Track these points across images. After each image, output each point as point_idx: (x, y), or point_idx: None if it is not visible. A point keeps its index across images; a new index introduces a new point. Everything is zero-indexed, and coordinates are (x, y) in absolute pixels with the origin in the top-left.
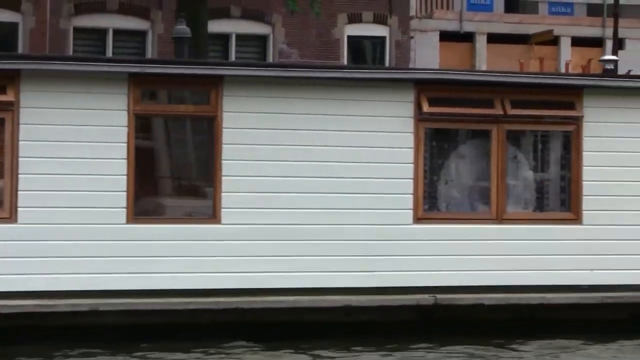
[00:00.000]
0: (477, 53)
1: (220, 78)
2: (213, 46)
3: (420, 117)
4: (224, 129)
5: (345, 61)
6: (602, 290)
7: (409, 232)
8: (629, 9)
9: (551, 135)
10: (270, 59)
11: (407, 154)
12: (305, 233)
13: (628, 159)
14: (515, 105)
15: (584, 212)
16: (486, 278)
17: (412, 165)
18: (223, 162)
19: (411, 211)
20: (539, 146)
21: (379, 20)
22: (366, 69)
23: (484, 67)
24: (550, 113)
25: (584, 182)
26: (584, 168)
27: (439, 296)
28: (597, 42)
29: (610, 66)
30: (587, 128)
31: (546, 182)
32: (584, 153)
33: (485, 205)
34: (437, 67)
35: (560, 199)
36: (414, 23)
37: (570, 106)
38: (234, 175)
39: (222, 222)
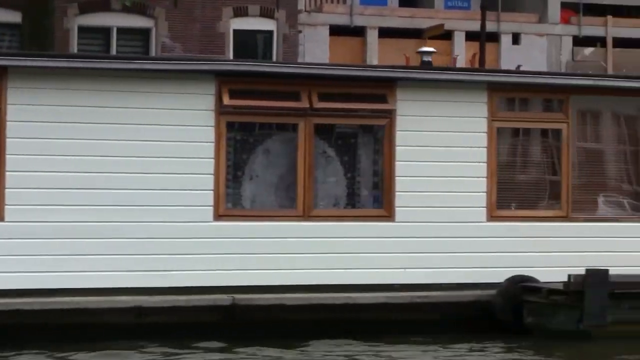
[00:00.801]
0: (368, 48)
1: (4, 69)
2: (94, 40)
3: (221, 110)
4: (8, 123)
5: (230, 55)
6: (415, 290)
7: (208, 229)
8: (525, 3)
9: (363, 129)
10: (153, 54)
11: (208, 149)
12: (96, 231)
13: (441, 153)
14: (323, 98)
15: (396, 208)
16: (290, 277)
17: (212, 160)
18: (7, 156)
19: (211, 208)
20: (351, 140)
21: (266, 13)
22: (164, 59)
23: (375, 62)
24: (361, 106)
25: (396, 178)
26: (397, 163)
27: (237, 296)
28: (492, 37)
29: (428, 58)
30: (400, 122)
31: (358, 178)
32: (396, 148)
33: (292, 202)
34: (327, 61)
35: (372, 196)
36: (303, 17)
37: (383, 99)
38: (19, 170)
39: (6, 219)
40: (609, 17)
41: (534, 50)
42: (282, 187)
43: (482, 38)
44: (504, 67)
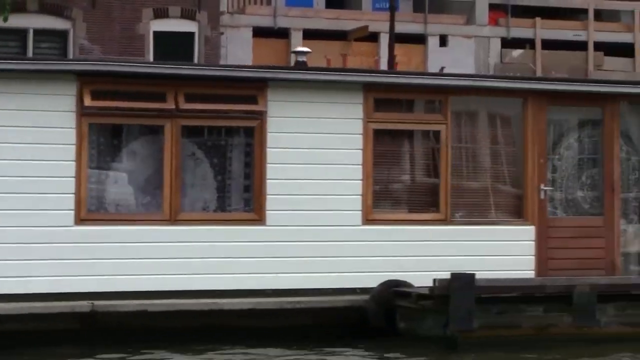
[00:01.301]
0: (292, 49)
1: None
2: (10, 42)
3: (82, 111)
4: None
5: (151, 58)
6: (288, 295)
7: (69, 234)
8: (452, 4)
9: (234, 131)
10: (70, 55)
11: (69, 151)
12: None
13: (314, 156)
14: (190, 99)
15: (267, 212)
16: (156, 283)
17: (73, 162)
18: None
19: (73, 212)
20: (221, 143)
21: (187, 15)
22: (25, 59)
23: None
24: (231, 108)
25: (267, 181)
26: (268, 166)
27: (97, 303)
28: (418, 39)
29: (302, 58)
30: (271, 123)
31: (228, 181)
32: (267, 150)
33: (158, 205)
34: (250, 63)
35: (243, 199)
36: (225, 18)
37: (253, 100)
38: None
39: None
40: (538, 19)
41: (462, 52)
42: (148, 191)
43: (391, 40)
44: (431, 69)
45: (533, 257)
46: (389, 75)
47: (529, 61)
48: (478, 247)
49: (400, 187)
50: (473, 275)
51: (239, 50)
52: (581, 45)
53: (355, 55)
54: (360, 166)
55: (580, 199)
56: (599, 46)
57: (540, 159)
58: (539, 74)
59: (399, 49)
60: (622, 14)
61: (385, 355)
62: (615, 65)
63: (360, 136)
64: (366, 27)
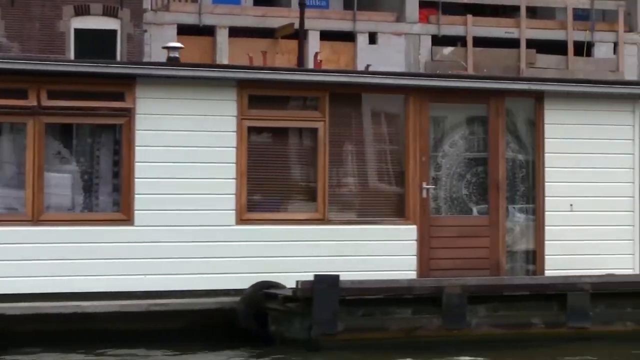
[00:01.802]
0: (218, 47)
1: None
2: None
3: None
4: None
5: (72, 56)
6: (157, 297)
7: None
8: (382, 2)
9: (101, 129)
10: None
11: None
12: None
13: (185, 154)
14: (54, 95)
15: (135, 212)
16: (17, 286)
17: None
18: None
19: None
20: (89, 141)
21: (109, 12)
22: None
23: (225, 61)
24: (97, 105)
25: (136, 180)
26: (136, 164)
27: None
28: (348, 36)
29: (175, 54)
30: (140, 121)
31: (96, 180)
32: (136, 148)
33: (21, 205)
34: None
35: (112, 198)
36: (149, 16)
37: (121, 97)
38: None
39: None
40: (469, 16)
41: (392, 50)
42: (10, 190)
43: (301, 36)
44: (359, 67)
45: (415, 257)
46: (263, 71)
47: (461, 59)
48: (358, 248)
49: (276, 186)
50: (337, 276)
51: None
52: (514, 43)
53: (283, 53)
54: (234, 164)
55: (465, 198)
56: (531, 44)
57: (422, 156)
58: (470, 71)
59: (327, 46)
60: (558, 11)
61: (249, 359)
62: (548, 63)
63: (234, 134)
64: (292, 24)
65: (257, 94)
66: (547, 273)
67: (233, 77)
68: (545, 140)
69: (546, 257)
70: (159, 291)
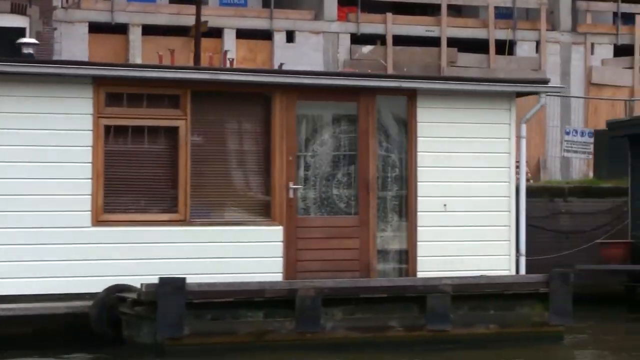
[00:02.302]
0: (131, 45)
1: None
2: None
3: None
4: None
5: None
6: (9, 302)
7: None
8: (300, 0)
9: None
10: None
11: None
12: None
13: (39, 153)
14: None
15: None
16: None
17: None
18: None
19: None
20: None
21: (17, 10)
22: None
23: (138, 61)
24: None
25: None
26: None
27: None
28: (265, 35)
29: (29, 50)
30: None
31: None
32: None
33: None
34: (87, 59)
35: None
36: (59, 13)
37: None
38: None
39: None
40: (389, 14)
41: (310, 48)
42: None
43: (198, 32)
44: (276, 66)
45: (281, 259)
46: (119, 68)
47: (380, 57)
48: (221, 249)
49: (135, 186)
50: (183, 279)
51: (74, 47)
52: (435, 42)
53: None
54: (90, 164)
55: (336, 198)
56: (453, 42)
57: (289, 156)
58: (390, 70)
59: (243, 45)
60: (482, 9)
61: None
62: (470, 61)
63: (90, 132)
64: (206, 22)
65: (114, 92)
66: (420, 274)
67: (88, 74)
68: (418, 139)
69: (419, 258)
70: (11, 295)
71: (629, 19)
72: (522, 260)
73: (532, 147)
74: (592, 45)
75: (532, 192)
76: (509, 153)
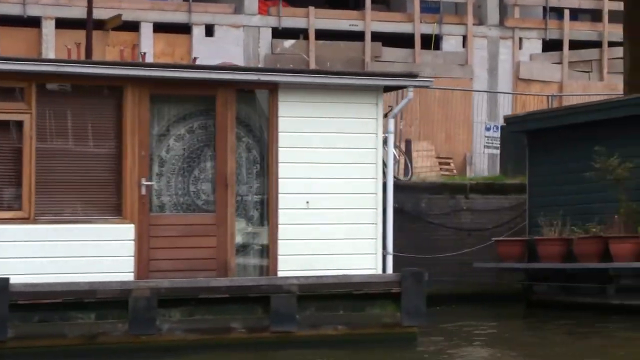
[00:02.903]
0: (44, 39)
1: None
2: None
3: None
4: None
5: None
6: None
7: None
8: None
9: None
10: None
11: None
12: None
13: None
14: None
15: None
16: None
17: None
18: None
19: None
20: None
21: None
22: None
23: (51, 55)
24: None
25: None
26: None
27: None
28: (184, 29)
29: None
30: None
31: None
32: None
33: None
34: None
35: None
36: None
37: None
38: None
39: None
40: (312, 8)
41: (230, 42)
42: None
43: (89, 25)
44: (197, 60)
45: (132, 258)
46: None
47: (302, 52)
48: (70, 248)
49: None
50: (7, 279)
51: None
52: (360, 36)
53: (114, 45)
54: None
55: (193, 195)
56: (378, 36)
57: (142, 151)
58: (312, 65)
59: (162, 39)
60: (409, 3)
61: None
62: (395, 56)
63: None
64: (119, 15)
65: None
66: (281, 274)
67: None
68: (280, 134)
69: (280, 257)
70: None
71: (558, 13)
72: (389, 258)
73: (459, 143)
74: (520, 40)
75: (433, 189)
76: (376, 149)
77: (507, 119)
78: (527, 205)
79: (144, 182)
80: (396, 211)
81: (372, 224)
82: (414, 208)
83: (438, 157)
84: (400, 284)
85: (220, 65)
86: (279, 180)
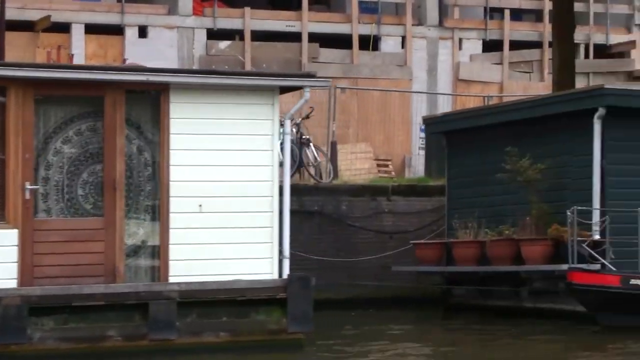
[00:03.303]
0: None
1: None
2: None
3: None
4: None
5: None
6: None
7: None
8: None
9: None
10: None
11: None
12: None
13: None
14: None
15: None
16: None
17: None
18: None
19: None
20: None
21: None
22: None
23: None
24: None
25: None
26: None
27: None
28: (116, 30)
29: None
30: None
31: None
32: None
33: None
34: None
35: None
36: None
37: None
38: None
39: None
40: (247, 9)
41: (164, 44)
42: None
43: (1, 26)
44: (129, 62)
45: (15, 264)
46: None
47: (238, 53)
48: None
49: None
50: None
51: None
52: (297, 37)
53: (44, 47)
54: None
55: (81, 199)
56: (316, 37)
57: (26, 153)
58: (248, 67)
59: (94, 40)
60: (349, 4)
61: None
62: (332, 57)
63: None
64: (49, 17)
65: None
66: (173, 279)
67: None
68: (171, 136)
69: (171, 262)
70: None
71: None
72: (286, 262)
73: (398, 144)
74: (460, 40)
75: (354, 191)
76: (272, 150)
77: (425, 120)
78: (445, 207)
79: (28, 186)
80: (317, 214)
81: (268, 227)
82: (334, 211)
83: (377, 159)
84: (286, 289)
85: (108, 66)
86: (170, 183)
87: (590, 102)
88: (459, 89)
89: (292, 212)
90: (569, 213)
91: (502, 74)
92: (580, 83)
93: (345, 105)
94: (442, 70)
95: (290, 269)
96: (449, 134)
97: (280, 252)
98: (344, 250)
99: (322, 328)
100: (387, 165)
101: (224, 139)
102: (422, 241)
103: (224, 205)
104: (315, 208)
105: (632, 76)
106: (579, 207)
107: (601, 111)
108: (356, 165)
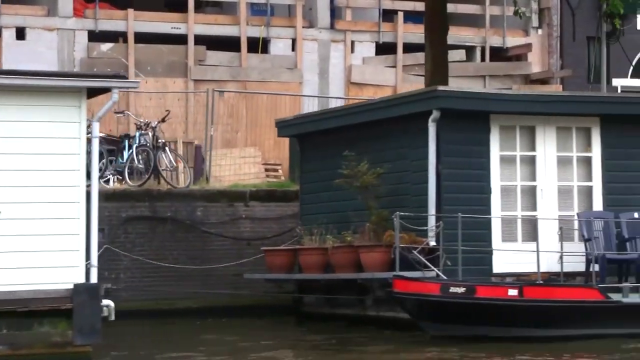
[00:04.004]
0: None
1: None
2: None
3: None
4: None
5: None
6: None
7: None
8: None
9: None
10: None
11: None
12: None
13: None
14: None
15: None
16: None
17: None
18: None
19: None
20: None
21: None
22: None
23: None
24: None
25: None
26: None
27: None
28: None
29: None
30: None
31: None
32: None
33: None
34: None
35: None
36: None
37: None
38: None
39: None
40: (130, 10)
41: (43, 46)
42: None
43: None
44: (6, 66)
45: None
46: None
47: (121, 55)
48: None
49: None
50: None
51: None
52: (183, 39)
53: None
54: None
55: None
56: (202, 40)
57: None
58: (132, 69)
59: None
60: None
61: None
62: (220, 60)
63: None
64: None
65: None
66: None
67: None
68: None
69: None
70: None
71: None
72: (93, 271)
73: (287, 149)
74: (353, 43)
75: (209, 197)
76: (79, 154)
77: (277, 123)
78: (299, 213)
79: None
80: (169, 220)
81: (75, 234)
82: (188, 217)
83: (265, 164)
84: (72, 300)
85: None
86: None
87: (424, 104)
88: (352, 92)
89: (144, 219)
90: (394, 219)
91: (396, 77)
92: (476, 87)
93: (234, 109)
94: (334, 73)
95: (141, 278)
96: (302, 138)
97: (88, 259)
98: (200, 258)
99: (130, 339)
100: (276, 170)
101: (26, 142)
102: (271, 248)
103: (27, 211)
104: (169, 214)
105: (529, 79)
106: (401, 213)
107: (435, 114)
108: (244, 170)
